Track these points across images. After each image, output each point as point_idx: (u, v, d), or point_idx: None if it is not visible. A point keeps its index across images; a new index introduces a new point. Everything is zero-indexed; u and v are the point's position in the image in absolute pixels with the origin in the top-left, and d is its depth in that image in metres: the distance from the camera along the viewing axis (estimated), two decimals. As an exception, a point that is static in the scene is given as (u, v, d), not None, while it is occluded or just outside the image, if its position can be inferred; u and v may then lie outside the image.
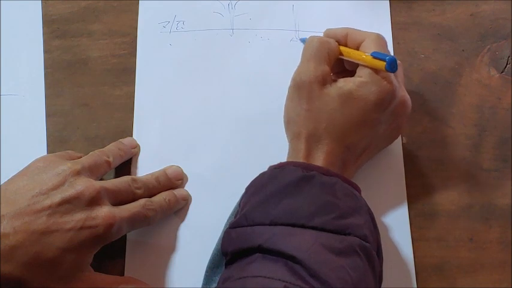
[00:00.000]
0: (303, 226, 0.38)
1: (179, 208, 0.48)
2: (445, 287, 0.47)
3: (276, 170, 0.42)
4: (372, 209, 0.47)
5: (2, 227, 0.38)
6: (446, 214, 0.49)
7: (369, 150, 0.46)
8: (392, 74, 0.43)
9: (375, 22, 0.54)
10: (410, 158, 0.50)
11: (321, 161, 0.43)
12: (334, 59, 0.46)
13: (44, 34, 0.54)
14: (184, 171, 0.50)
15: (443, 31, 0.54)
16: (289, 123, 0.45)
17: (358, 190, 0.43)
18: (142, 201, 0.45)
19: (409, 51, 0.53)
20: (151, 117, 0.51)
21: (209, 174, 0.50)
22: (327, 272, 0.36)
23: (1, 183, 0.43)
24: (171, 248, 0.48)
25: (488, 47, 0.53)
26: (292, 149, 0.45)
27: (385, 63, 0.41)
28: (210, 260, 0.45)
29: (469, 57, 0.53)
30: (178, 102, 0.52)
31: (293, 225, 0.39)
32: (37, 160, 0.44)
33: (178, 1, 0.55)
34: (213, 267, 0.44)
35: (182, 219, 0.48)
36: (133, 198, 0.45)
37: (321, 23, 0.54)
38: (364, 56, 0.43)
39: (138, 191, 0.45)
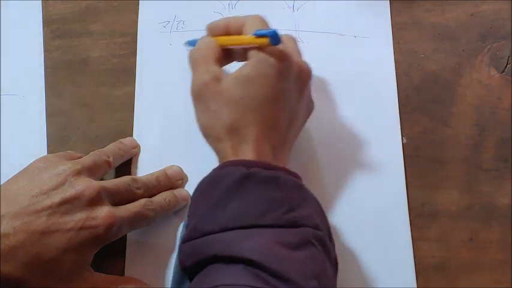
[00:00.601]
0: (254, 226, 0.38)
1: (179, 208, 0.48)
2: (445, 287, 0.47)
3: (216, 173, 0.41)
4: (371, 209, 0.47)
5: (2, 227, 0.38)
6: (446, 214, 0.49)
7: (293, 125, 0.45)
8: (280, 45, 0.43)
9: (375, 22, 0.54)
10: (410, 158, 0.50)
11: (251, 151, 0.41)
12: (219, 54, 0.45)
13: (44, 34, 0.54)
14: (184, 171, 0.50)
15: (443, 31, 0.54)
16: (206, 131, 0.44)
17: (299, 179, 0.42)
18: (142, 201, 0.45)
19: (409, 51, 0.53)
20: (151, 117, 0.51)
21: (209, 174, 0.50)
22: (286, 269, 0.35)
23: (1, 183, 0.43)
24: (171, 248, 0.48)
25: (489, 47, 0.53)
26: (219, 153, 0.43)
27: (268, 38, 0.41)
28: (172, 278, 0.44)
29: (469, 57, 0.53)
30: (178, 102, 0.52)
31: (244, 227, 0.38)
32: (37, 160, 0.44)
33: (178, 1, 0.55)
34: (177, 287, 0.43)
35: (182, 219, 0.48)
36: (134, 198, 0.45)
37: (321, 23, 0.54)
38: (246, 37, 0.43)
39: (138, 191, 0.45)
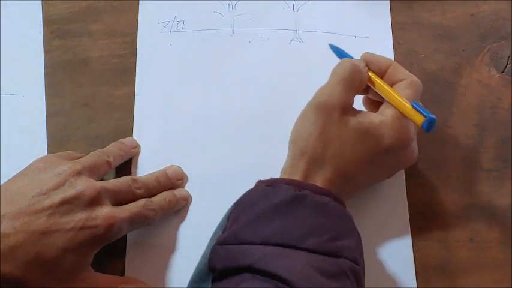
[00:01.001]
0: (294, 247, 0.38)
1: (179, 208, 0.48)
2: (445, 287, 0.47)
3: (268, 188, 0.41)
4: (372, 210, 0.47)
5: (2, 227, 0.38)
6: (446, 214, 0.49)
7: (364, 185, 0.46)
8: (412, 124, 0.43)
9: (375, 22, 0.54)
10: (410, 158, 0.50)
11: (318, 182, 0.42)
12: (361, 89, 0.45)
13: (44, 34, 0.54)
14: (184, 171, 0.50)
15: (443, 31, 0.54)
16: (297, 139, 0.44)
17: (344, 206, 0.43)
18: (142, 201, 0.45)
19: (409, 51, 0.53)
20: (151, 117, 0.51)
21: (209, 174, 0.50)
22: None
23: (1, 183, 0.43)
24: (171, 248, 0.48)
25: (489, 47, 0.53)
26: (291, 166, 0.43)
27: (423, 119, 0.41)
28: (195, 272, 0.43)
29: (469, 57, 0.53)
30: (178, 102, 0.52)
31: (284, 246, 0.38)
32: (37, 160, 0.44)
33: (178, 1, 0.55)
34: (198, 281, 0.43)
35: (182, 219, 0.48)
36: (134, 198, 0.45)
37: (321, 23, 0.54)
38: (404, 101, 0.42)
39: (139, 191, 0.45)
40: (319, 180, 0.42)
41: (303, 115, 0.44)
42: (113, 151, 0.48)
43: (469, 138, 0.51)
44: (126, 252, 0.47)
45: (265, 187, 0.41)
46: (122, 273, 0.47)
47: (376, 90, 0.45)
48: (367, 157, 0.43)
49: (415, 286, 0.46)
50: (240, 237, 0.39)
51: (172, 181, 0.48)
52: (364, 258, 0.44)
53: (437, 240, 0.48)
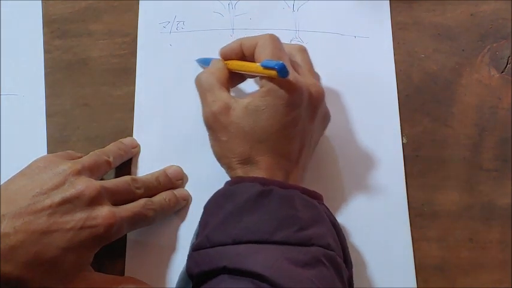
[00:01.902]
0: (266, 242, 0.38)
1: (179, 208, 0.48)
2: (445, 287, 0.47)
3: (232, 188, 0.42)
4: (372, 210, 0.47)
5: (2, 226, 0.38)
6: (446, 214, 0.49)
7: (305, 147, 0.45)
8: (292, 70, 0.42)
9: (375, 22, 0.54)
10: (410, 158, 0.50)
11: (263, 176, 0.42)
12: (227, 79, 0.45)
13: (44, 34, 0.54)
14: (184, 171, 0.50)
15: (443, 31, 0.54)
16: (220, 160, 0.45)
17: (319, 197, 0.43)
18: (142, 201, 0.45)
19: (409, 51, 0.53)
20: (151, 117, 0.51)
21: (209, 174, 0.49)
22: (294, 286, 0.36)
23: (1, 183, 0.42)
24: (171, 248, 0.48)
25: (488, 47, 0.53)
26: (230, 177, 0.44)
27: (276, 71, 0.41)
28: (177, 282, 0.44)
29: (469, 57, 0.53)
30: (178, 102, 0.52)
31: (256, 242, 0.38)
32: (37, 160, 0.44)
33: (178, 1, 0.55)
34: None
35: (182, 219, 0.48)
36: (134, 198, 0.45)
37: (321, 23, 0.54)
38: (255, 67, 0.43)
39: (138, 191, 0.45)
40: (260, 174, 0.42)
41: (209, 140, 0.45)
42: (113, 151, 0.48)
43: (469, 138, 0.51)
44: (126, 252, 0.47)
45: (229, 187, 0.42)
46: (122, 273, 0.47)
47: (239, 72, 0.46)
48: (277, 126, 0.42)
49: (415, 286, 0.46)
50: (212, 240, 0.39)
51: (172, 181, 0.48)
52: (364, 258, 0.44)
53: (437, 240, 0.48)
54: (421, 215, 0.48)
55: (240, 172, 0.43)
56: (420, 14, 0.54)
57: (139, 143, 0.51)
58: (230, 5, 0.55)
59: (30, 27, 0.54)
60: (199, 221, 0.43)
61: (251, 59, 0.45)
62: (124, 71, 0.53)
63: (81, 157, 0.45)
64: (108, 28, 0.54)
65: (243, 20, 0.54)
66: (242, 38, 0.46)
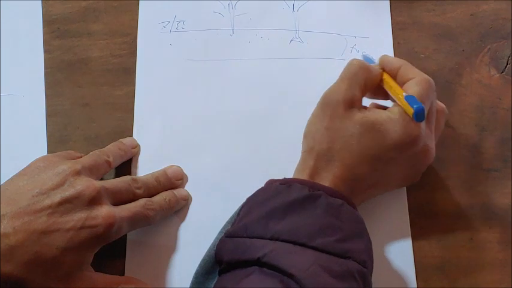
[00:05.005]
0: (303, 245, 0.38)
1: (179, 208, 0.48)
2: (445, 287, 0.47)
3: (282, 186, 0.42)
4: (372, 209, 0.47)
5: (2, 226, 0.38)
6: (446, 214, 0.49)
7: (377, 186, 0.45)
8: (425, 121, 0.43)
9: (375, 22, 0.54)
10: (410, 158, 0.50)
11: (328, 182, 0.42)
12: (371, 87, 0.45)
13: (44, 34, 0.54)
14: (184, 171, 0.50)
15: (443, 31, 0.54)
16: (306, 136, 0.45)
17: (356, 209, 0.43)
18: (142, 201, 0.45)
19: (409, 51, 0.53)
20: (151, 117, 0.51)
21: (209, 174, 0.50)
22: None
23: (1, 183, 0.43)
24: (171, 248, 0.48)
25: (489, 47, 0.53)
26: (302, 162, 0.44)
27: (413, 111, 0.41)
28: (200, 265, 0.44)
29: (469, 57, 0.53)
30: (178, 102, 0.52)
31: (294, 242, 0.38)
32: (37, 160, 0.44)
33: (178, 1, 0.55)
34: (205, 274, 0.43)
35: (182, 219, 0.48)
36: (134, 198, 0.45)
37: (321, 23, 0.54)
38: (400, 95, 0.43)
39: (138, 191, 0.45)
40: (328, 176, 0.42)
41: (313, 113, 0.45)
42: (112, 151, 0.48)
43: (469, 138, 0.51)
44: (126, 252, 0.47)
45: (279, 185, 0.42)
46: (122, 273, 0.47)
47: (385, 88, 0.45)
48: (373, 152, 0.42)
49: (415, 286, 0.46)
50: (250, 231, 0.40)
51: (172, 181, 0.48)
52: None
53: (437, 240, 0.48)
54: (421, 215, 0.48)
55: (312, 162, 0.43)
56: (420, 14, 0.54)
57: (139, 143, 0.51)
58: (230, 5, 0.55)
59: (30, 27, 0.54)
60: (237, 211, 0.43)
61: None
62: (124, 71, 0.53)
63: (81, 157, 0.46)
64: (108, 28, 0.54)
65: (243, 20, 0.54)
66: (405, 62, 0.46)
